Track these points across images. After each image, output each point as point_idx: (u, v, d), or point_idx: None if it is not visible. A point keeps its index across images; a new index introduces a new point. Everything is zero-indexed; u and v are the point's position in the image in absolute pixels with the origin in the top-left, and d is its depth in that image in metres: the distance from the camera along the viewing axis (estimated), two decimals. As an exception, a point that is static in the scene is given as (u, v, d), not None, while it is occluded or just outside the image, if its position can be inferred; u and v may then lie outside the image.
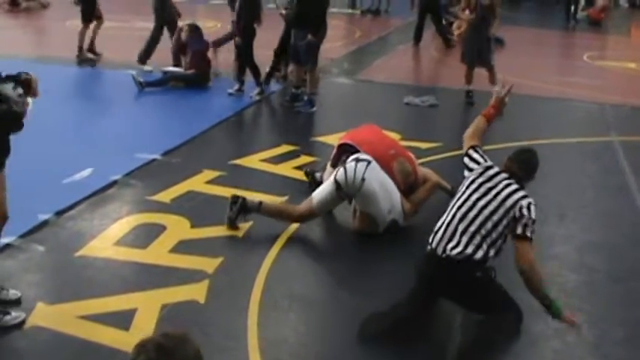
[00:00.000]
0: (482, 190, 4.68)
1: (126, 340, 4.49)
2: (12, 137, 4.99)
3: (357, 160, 6.14)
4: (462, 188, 4.80)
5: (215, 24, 17.41)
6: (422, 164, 7.52)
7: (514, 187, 4.65)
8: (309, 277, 5.64)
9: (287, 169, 7.76)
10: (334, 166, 6.62)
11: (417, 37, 16.37)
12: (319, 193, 6.21)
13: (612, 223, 6.83)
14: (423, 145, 8.70)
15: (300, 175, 7.54)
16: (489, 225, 4.54)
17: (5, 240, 5.70)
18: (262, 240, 6.02)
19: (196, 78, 11.36)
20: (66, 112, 9.67)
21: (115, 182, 7.11)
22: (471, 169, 4.91)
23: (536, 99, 11.61)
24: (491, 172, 4.77)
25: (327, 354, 4.62)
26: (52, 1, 20.83)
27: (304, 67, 10.41)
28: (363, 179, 5.97)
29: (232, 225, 6.15)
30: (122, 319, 4.72)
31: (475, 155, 5.00)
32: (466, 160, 5.05)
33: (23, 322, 4.65)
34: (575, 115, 11.03)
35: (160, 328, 4.65)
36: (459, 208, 4.67)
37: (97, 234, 6.02)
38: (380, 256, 5.89)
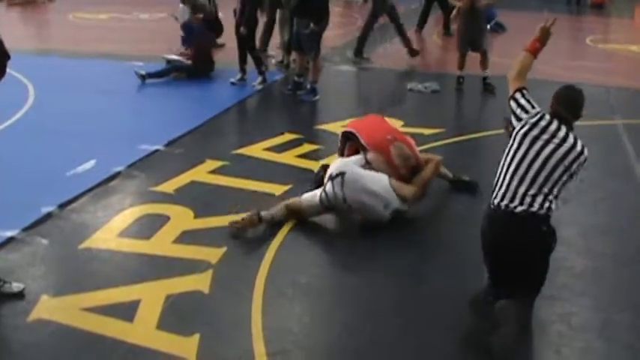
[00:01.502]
0: (539, 143, 4.46)
1: (130, 332, 4.52)
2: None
3: (331, 177, 6.11)
4: (516, 142, 4.55)
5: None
6: (425, 150, 7.51)
7: (572, 136, 4.50)
8: (313, 267, 5.63)
9: (290, 158, 7.74)
10: (341, 154, 6.72)
11: (421, 23, 16.32)
12: (310, 195, 6.24)
13: (617, 207, 6.80)
14: (426, 131, 8.67)
15: (303, 164, 7.53)
16: (552, 180, 4.41)
17: (9, 233, 5.73)
18: (266, 230, 6.00)
19: (198, 68, 11.34)
20: (68, 104, 9.67)
21: (118, 174, 7.11)
22: (519, 118, 4.65)
23: (538, 83, 11.47)
24: (543, 122, 4.52)
25: (331, 343, 4.61)
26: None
27: (307, 55, 10.38)
28: (344, 198, 6.01)
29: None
30: (126, 311, 4.72)
31: (522, 101, 4.70)
32: (513, 105, 4.74)
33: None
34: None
35: (164, 319, 4.66)
36: (519, 164, 4.47)
37: (101, 226, 6.02)
38: (384, 244, 5.87)
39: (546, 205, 4.37)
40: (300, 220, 6.15)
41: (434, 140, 8.37)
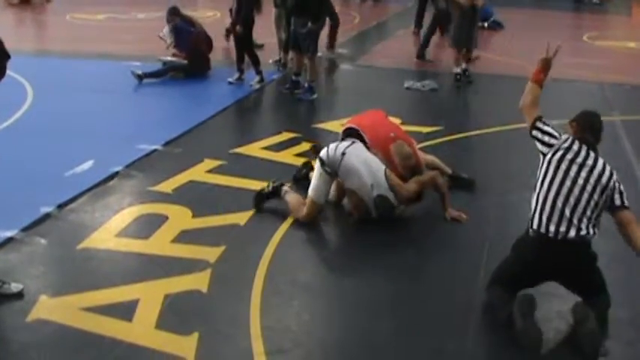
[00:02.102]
0: (574, 168, 4.58)
1: (128, 331, 4.52)
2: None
3: (342, 139, 6.40)
4: (552, 166, 4.65)
5: (214, 13, 17.42)
6: (423, 148, 7.53)
7: (601, 160, 4.65)
8: (311, 265, 5.64)
9: (288, 157, 7.75)
10: None
11: (418, 23, 16.32)
12: (312, 182, 6.22)
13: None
14: (424, 129, 8.70)
15: (301, 162, 7.52)
16: (592, 203, 4.53)
17: (8, 233, 5.73)
18: (264, 228, 6.01)
19: (195, 68, 11.34)
20: (66, 105, 9.68)
21: (116, 174, 7.11)
22: (549, 145, 4.74)
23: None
24: (575, 146, 4.65)
25: (329, 341, 4.62)
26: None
27: (305, 54, 10.38)
28: (343, 153, 6.05)
29: (258, 204, 6.37)
30: (125, 310, 4.72)
31: (547, 128, 4.84)
32: (538, 134, 4.86)
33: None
34: (577, 96, 10.98)
35: (162, 318, 4.66)
36: (559, 188, 4.56)
37: (99, 226, 6.02)
38: (383, 243, 5.88)
39: (591, 228, 4.53)
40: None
41: (432, 138, 8.38)
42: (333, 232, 6.32)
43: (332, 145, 6.19)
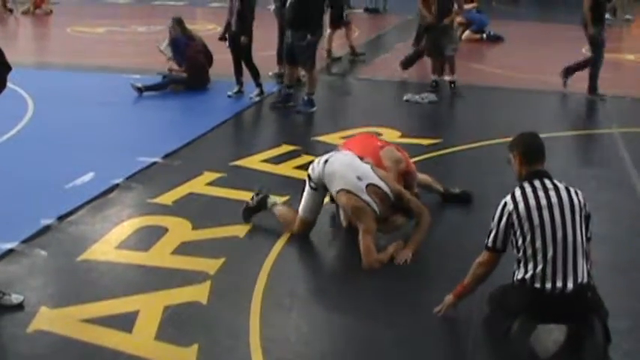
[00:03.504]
0: (556, 213, 4.34)
1: (128, 343, 4.53)
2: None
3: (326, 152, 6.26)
4: (535, 222, 4.33)
5: (214, 26, 17.44)
6: (423, 160, 7.56)
7: (563, 190, 4.45)
8: (311, 277, 5.65)
9: (288, 169, 7.77)
10: None
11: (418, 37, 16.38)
12: (302, 201, 6.13)
13: (614, 215, 6.81)
14: (424, 142, 8.72)
15: (301, 175, 7.52)
16: (583, 242, 4.39)
17: (8, 245, 5.74)
18: (264, 240, 6.02)
19: (194, 81, 11.37)
20: (67, 117, 9.71)
21: (116, 186, 7.13)
22: (520, 220, 4.40)
23: (536, 92, 11.62)
24: (541, 193, 4.40)
25: (329, 352, 4.62)
26: (53, 7, 20.94)
27: (303, 67, 10.40)
28: (325, 161, 5.95)
29: (247, 217, 6.32)
30: (125, 322, 4.73)
31: (501, 225, 4.50)
32: (500, 243, 4.55)
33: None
34: (575, 108, 11.04)
35: (162, 330, 4.67)
36: (553, 241, 4.29)
37: (99, 238, 6.03)
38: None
39: (587, 270, 4.40)
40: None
41: (432, 151, 8.40)
42: (332, 244, 6.32)
43: (315, 160, 6.13)
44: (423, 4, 11.87)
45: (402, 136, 8.92)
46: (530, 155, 4.58)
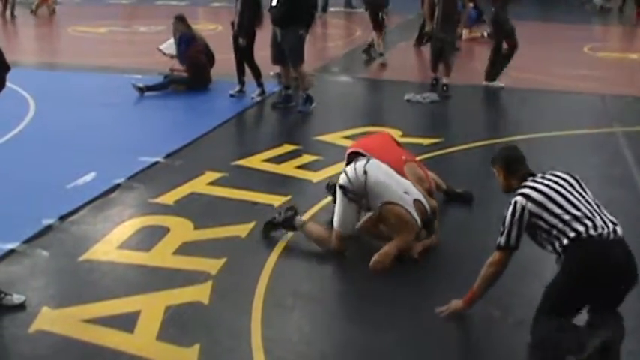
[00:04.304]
0: (567, 185, 4.56)
1: (130, 343, 4.53)
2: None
3: (355, 161, 5.96)
4: (557, 198, 4.47)
5: (216, 26, 17.46)
6: (424, 160, 7.54)
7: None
8: (313, 276, 5.64)
9: (289, 169, 7.77)
10: None
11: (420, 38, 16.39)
12: (336, 215, 5.85)
13: (616, 215, 6.76)
14: (425, 142, 8.72)
15: (303, 175, 7.56)
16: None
17: (10, 245, 5.75)
18: (265, 240, 6.02)
19: (196, 80, 11.37)
20: (68, 117, 9.73)
21: (118, 186, 7.13)
22: (545, 208, 4.48)
23: (537, 92, 11.62)
24: (544, 180, 4.58)
25: (330, 352, 4.62)
26: (56, 7, 20.95)
27: (293, 66, 10.35)
28: (365, 172, 5.71)
29: (267, 232, 6.06)
30: (126, 322, 4.74)
31: (515, 228, 4.56)
32: (518, 230, 4.58)
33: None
34: (577, 107, 11.02)
35: (164, 330, 4.67)
36: (581, 202, 4.47)
37: (101, 238, 6.04)
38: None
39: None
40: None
41: (433, 150, 8.39)
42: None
43: (349, 170, 5.82)
44: (427, 9, 11.87)
45: (403, 136, 8.90)
46: (513, 166, 4.79)
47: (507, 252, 4.59)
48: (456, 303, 4.79)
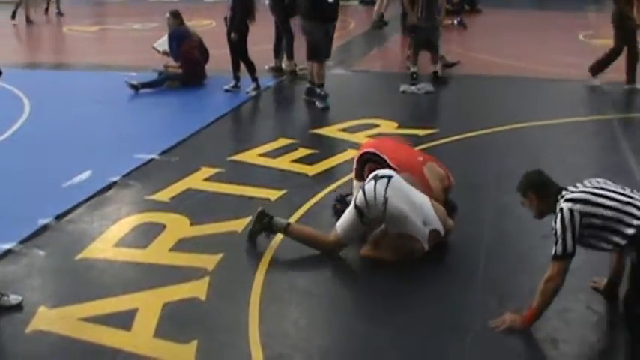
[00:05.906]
0: (608, 183, 4.66)
1: (128, 340, 4.53)
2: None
3: (376, 177, 5.60)
4: (608, 194, 4.49)
5: (210, 22, 17.42)
6: (420, 150, 7.52)
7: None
8: (310, 271, 5.63)
9: (285, 163, 7.76)
10: (361, 178, 6.13)
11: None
12: (343, 224, 5.66)
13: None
14: (421, 132, 8.71)
15: (298, 169, 7.55)
16: None
17: (6, 245, 5.75)
18: (261, 235, 6.00)
19: (190, 77, 11.35)
20: (63, 116, 9.71)
21: (114, 184, 7.13)
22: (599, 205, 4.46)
23: (533, 80, 11.61)
24: (583, 185, 4.60)
25: (328, 347, 4.62)
26: (50, 7, 20.90)
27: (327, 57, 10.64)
28: (385, 198, 5.42)
29: (252, 239, 5.88)
30: (124, 320, 4.73)
31: (569, 231, 4.44)
32: (572, 236, 4.47)
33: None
34: (573, 95, 11.01)
35: (161, 327, 4.67)
36: (616, 186, 4.61)
37: (97, 236, 6.03)
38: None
39: None
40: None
41: (428, 141, 8.38)
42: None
43: (368, 191, 5.50)
44: (406, 1, 11.85)
45: (399, 127, 8.92)
46: (544, 190, 4.67)
47: (566, 260, 4.47)
48: (512, 318, 4.64)
